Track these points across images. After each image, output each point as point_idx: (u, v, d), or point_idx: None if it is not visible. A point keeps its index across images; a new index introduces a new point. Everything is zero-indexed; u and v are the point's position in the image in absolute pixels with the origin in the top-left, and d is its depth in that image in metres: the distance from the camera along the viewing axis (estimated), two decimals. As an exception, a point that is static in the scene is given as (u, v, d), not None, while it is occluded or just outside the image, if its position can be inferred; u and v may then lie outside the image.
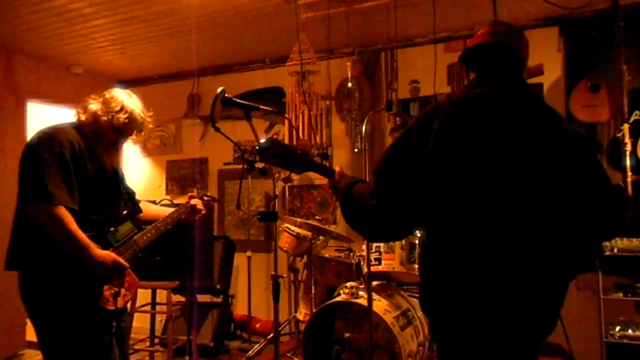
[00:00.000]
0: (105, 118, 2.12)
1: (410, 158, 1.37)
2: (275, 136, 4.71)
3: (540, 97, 1.54)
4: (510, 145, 1.37)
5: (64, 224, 1.88)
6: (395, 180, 1.38)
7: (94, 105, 2.13)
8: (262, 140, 1.60)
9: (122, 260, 2.03)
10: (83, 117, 2.12)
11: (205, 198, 2.62)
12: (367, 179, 2.63)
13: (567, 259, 1.41)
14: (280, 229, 3.66)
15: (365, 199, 1.43)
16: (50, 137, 1.99)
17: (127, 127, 2.18)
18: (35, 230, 1.91)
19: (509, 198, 1.34)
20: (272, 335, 3.61)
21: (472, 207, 1.34)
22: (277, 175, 3.46)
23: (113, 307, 2.03)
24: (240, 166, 4.96)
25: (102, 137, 2.14)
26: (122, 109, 2.16)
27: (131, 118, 2.17)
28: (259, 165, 2.08)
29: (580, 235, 1.43)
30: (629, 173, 3.52)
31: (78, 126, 2.12)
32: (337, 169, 1.67)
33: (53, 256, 1.91)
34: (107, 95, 2.17)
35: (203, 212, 2.54)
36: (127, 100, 2.20)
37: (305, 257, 3.67)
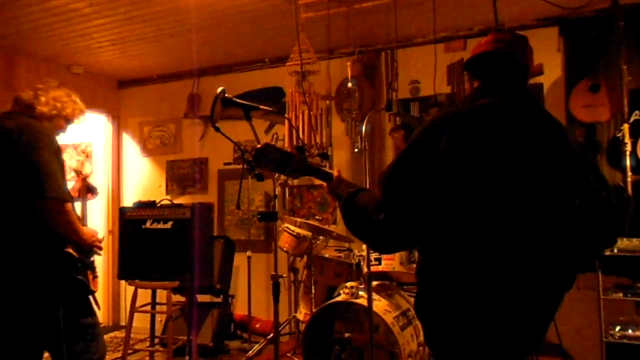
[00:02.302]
0: (69, 110, 2.29)
1: (418, 171, 1.35)
2: (274, 136, 4.71)
3: (543, 106, 1.55)
4: (517, 160, 1.36)
5: (74, 220, 2.17)
6: (404, 194, 1.36)
7: (55, 96, 2.25)
8: (258, 146, 1.57)
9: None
10: (45, 109, 2.21)
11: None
12: (367, 179, 2.64)
13: (564, 271, 1.41)
14: (280, 229, 3.66)
15: (371, 213, 1.39)
16: (46, 133, 2.13)
17: (77, 117, 2.37)
18: (35, 225, 2.08)
19: (512, 211, 1.34)
20: (272, 335, 3.61)
21: (477, 218, 1.33)
22: (276, 175, 3.46)
23: (95, 289, 2.40)
24: (240, 166, 4.96)
25: (57, 131, 2.30)
26: (75, 101, 2.35)
27: (82, 108, 2.38)
28: (256, 170, 2.08)
29: (580, 249, 1.43)
30: (629, 173, 3.52)
31: (41, 119, 2.22)
32: (335, 172, 1.65)
33: (52, 250, 2.16)
34: (54, 86, 2.30)
35: None
36: (73, 93, 2.38)
37: (305, 257, 3.67)
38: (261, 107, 2.31)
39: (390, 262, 3.20)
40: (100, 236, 2.44)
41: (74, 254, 2.22)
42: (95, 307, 2.38)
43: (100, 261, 5.27)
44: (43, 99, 2.23)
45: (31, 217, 2.08)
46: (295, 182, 4.73)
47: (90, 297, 2.36)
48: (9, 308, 2.12)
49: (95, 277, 2.41)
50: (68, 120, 2.33)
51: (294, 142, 3.91)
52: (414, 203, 1.35)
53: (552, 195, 1.36)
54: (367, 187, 2.08)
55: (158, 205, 3.97)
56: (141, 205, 4.00)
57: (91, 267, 2.39)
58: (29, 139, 2.08)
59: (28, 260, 2.10)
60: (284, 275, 3.75)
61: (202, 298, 4.38)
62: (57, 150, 2.15)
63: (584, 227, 1.41)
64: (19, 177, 2.07)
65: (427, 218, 1.36)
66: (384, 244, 1.48)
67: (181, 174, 5.39)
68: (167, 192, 5.38)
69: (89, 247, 2.33)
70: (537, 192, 1.35)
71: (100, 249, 2.44)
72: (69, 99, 2.32)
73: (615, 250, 3.28)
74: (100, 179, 5.49)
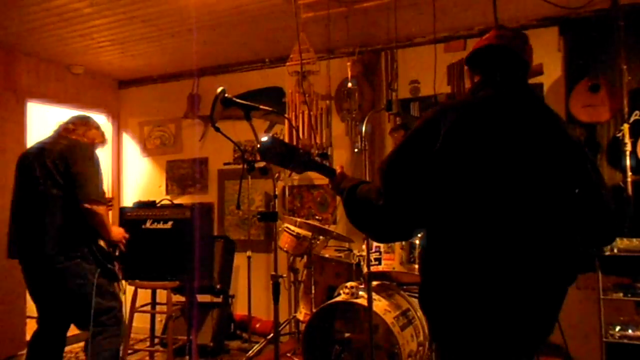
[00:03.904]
0: (99, 140, 3.07)
1: (418, 158, 1.37)
2: (276, 134, 4.71)
3: (543, 101, 1.58)
4: (516, 150, 1.37)
5: (105, 220, 2.81)
6: (403, 180, 1.38)
7: (91, 132, 3.02)
8: (264, 139, 1.59)
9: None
10: (87, 139, 2.94)
11: None
12: (367, 179, 2.64)
13: (566, 264, 1.41)
14: (280, 229, 3.66)
15: (372, 200, 1.42)
16: (86, 147, 2.86)
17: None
18: (78, 222, 2.71)
19: (513, 201, 1.34)
20: (272, 335, 3.61)
21: (476, 209, 1.34)
22: (277, 175, 3.47)
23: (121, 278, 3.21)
24: (240, 166, 4.96)
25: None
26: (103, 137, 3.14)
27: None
28: (260, 164, 2.10)
29: (580, 241, 1.43)
30: (629, 173, 3.52)
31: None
32: (338, 169, 1.67)
33: (93, 241, 2.81)
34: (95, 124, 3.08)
35: None
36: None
37: (305, 257, 3.67)
38: (261, 107, 2.31)
39: (390, 262, 3.20)
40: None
41: (105, 247, 2.87)
42: (120, 293, 3.04)
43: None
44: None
45: (79, 215, 2.70)
46: (295, 182, 4.73)
47: (116, 284, 2.95)
48: (57, 285, 2.73)
49: (120, 267, 3.10)
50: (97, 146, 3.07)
51: (294, 142, 3.91)
52: (414, 189, 1.37)
53: (552, 184, 1.37)
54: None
55: (158, 205, 3.96)
56: (141, 206, 4.00)
57: (117, 259, 3.00)
58: (75, 154, 2.76)
59: (72, 250, 2.72)
60: (284, 275, 3.75)
61: (202, 298, 4.37)
62: (96, 160, 2.83)
63: (584, 217, 1.42)
64: (71, 185, 2.70)
65: (427, 205, 1.37)
66: (384, 231, 1.49)
67: (181, 174, 5.39)
68: (167, 192, 5.37)
69: (115, 243, 2.94)
70: (537, 181, 1.36)
71: (125, 245, 3.01)
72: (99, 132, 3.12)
73: (615, 250, 3.28)
74: (100, 179, 5.49)
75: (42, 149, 2.85)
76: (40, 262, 2.73)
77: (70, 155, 2.76)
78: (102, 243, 2.89)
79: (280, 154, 1.59)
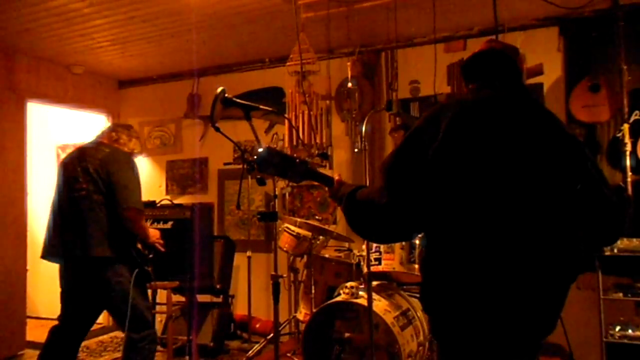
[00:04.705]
0: (137, 150, 3.22)
1: (419, 154, 1.37)
2: (274, 136, 4.70)
3: (542, 102, 1.61)
4: (516, 147, 1.38)
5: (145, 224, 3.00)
6: (407, 177, 1.38)
7: (132, 142, 3.15)
8: (260, 150, 1.57)
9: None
10: (127, 149, 3.08)
11: None
12: (367, 179, 2.64)
13: (567, 262, 1.42)
14: (280, 229, 3.66)
15: (374, 200, 1.42)
16: (128, 157, 3.00)
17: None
18: (119, 227, 2.81)
19: (513, 199, 1.34)
20: (272, 335, 3.61)
21: (477, 206, 1.34)
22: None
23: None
24: (240, 166, 4.96)
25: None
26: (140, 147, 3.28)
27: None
28: (257, 174, 2.10)
29: (582, 239, 1.44)
30: (629, 173, 3.52)
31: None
32: (335, 177, 1.66)
33: (132, 244, 2.92)
34: (135, 134, 3.22)
35: None
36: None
37: (305, 257, 3.67)
38: (261, 107, 2.31)
39: (390, 262, 3.20)
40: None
41: (141, 249, 2.97)
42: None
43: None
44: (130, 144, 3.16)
45: (120, 220, 2.82)
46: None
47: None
48: (99, 281, 2.80)
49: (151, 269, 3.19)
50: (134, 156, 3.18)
51: (294, 142, 3.91)
52: (417, 186, 1.37)
53: (552, 181, 1.38)
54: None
55: (158, 205, 3.96)
56: (141, 205, 4.00)
57: (152, 260, 3.08)
58: (116, 163, 2.89)
59: (114, 252, 2.80)
60: (284, 275, 3.75)
61: (202, 298, 4.37)
62: (136, 170, 2.98)
63: (587, 215, 1.42)
64: (112, 192, 2.82)
65: (430, 202, 1.37)
66: (388, 231, 1.49)
67: (181, 174, 5.39)
68: (167, 192, 5.38)
69: (152, 245, 3.02)
70: (536, 178, 1.36)
71: (162, 246, 3.09)
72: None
73: (615, 250, 3.28)
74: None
75: (84, 154, 2.93)
76: (83, 263, 2.81)
77: (111, 164, 2.88)
78: (139, 245, 2.99)
79: (276, 164, 1.57)
